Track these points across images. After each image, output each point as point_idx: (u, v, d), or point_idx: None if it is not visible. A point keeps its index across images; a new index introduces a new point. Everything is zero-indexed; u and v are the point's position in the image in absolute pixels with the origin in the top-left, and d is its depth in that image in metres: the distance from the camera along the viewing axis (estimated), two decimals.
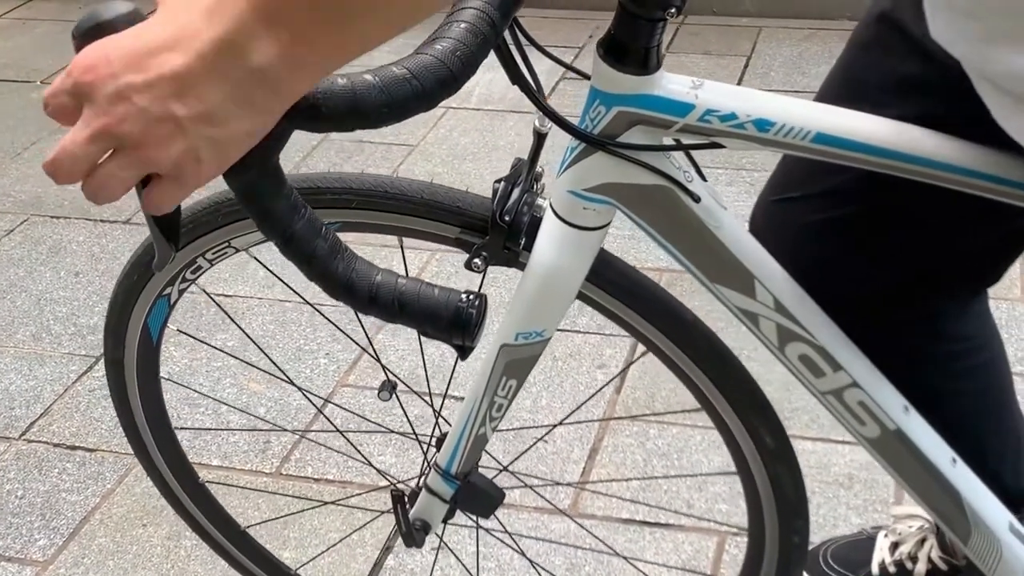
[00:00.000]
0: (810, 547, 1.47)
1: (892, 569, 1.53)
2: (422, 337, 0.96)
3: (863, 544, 1.59)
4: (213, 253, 1.30)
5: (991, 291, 1.37)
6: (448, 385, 1.47)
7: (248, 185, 0.87)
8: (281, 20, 0.73)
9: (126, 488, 2.14)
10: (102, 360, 2.44)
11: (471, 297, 0.91)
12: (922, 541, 1.52)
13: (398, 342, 2.44)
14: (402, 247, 1.31)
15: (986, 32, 0.86)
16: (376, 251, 1.27)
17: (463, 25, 0.90)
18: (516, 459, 1.50)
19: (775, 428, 1.28)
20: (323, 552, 1.92)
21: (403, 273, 0.95)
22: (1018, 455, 1.36)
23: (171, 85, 0.74)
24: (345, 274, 0.91)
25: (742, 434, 1.29)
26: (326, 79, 0.83)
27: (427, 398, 1.48)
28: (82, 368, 2.46)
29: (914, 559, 1.51)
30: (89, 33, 0.79)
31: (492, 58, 1.04)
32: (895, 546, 1.54)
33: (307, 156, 3.25)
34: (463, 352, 0.94)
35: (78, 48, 0.79)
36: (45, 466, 2.20)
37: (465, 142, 3.34)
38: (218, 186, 0.93)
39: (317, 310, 1.39)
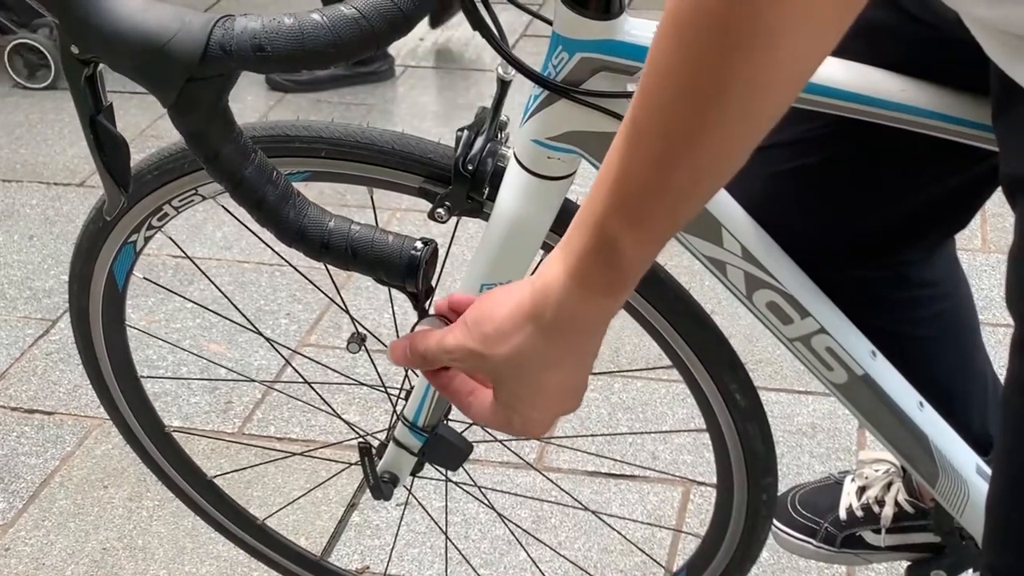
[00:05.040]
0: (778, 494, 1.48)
1: (860, 513, 1.54)
2: (391, 289, 0.96)
3: (830, 489, 1.59)
4: (180, 200, 1.28)
5: None
6: None
7: (196, 127, 0.86)
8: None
9: (86, 450, 2.12)
10: (58, 323, 2.43)
11: (426, 244, 0.90)
12: (889, 485, 1.52)
13: (360, 301, 2.43)
14: (372, 198, 1.30)
15: None
16: (335, 211, 1.25)
17: None
18: None
19: (746, 386, 1.28)
20: (287, 505, 1.91)
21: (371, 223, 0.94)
22: (985, 399, 1.36)
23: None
24: (297, 220, 0.90)
25: (713, 392, 1.29)
26: (274, 18, 0.82)
27: None
28: (38, 331, 2.43)
29: (881, 503, 1.52)
30: None
31: (452, 18, 1.02)
32: (862, 490, 1.55)
33: (263, 117, 3.21)
34: (417, 301, 0.94)
35: None
36: (3, 430, 2.18)
37: (424, 100, 3.31)
38: None
39: (284, 259, 1.38)
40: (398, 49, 3.50)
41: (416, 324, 0.93)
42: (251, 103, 3.26)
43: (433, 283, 0.95)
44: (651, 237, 0.74)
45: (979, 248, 2.56)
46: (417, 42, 3.59)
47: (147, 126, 3.12)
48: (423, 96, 3.32)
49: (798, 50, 0.65)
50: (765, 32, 0.63)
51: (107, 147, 0.89)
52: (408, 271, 0.90)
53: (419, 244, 0.90)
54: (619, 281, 0.76)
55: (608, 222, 0.73)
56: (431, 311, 0.92)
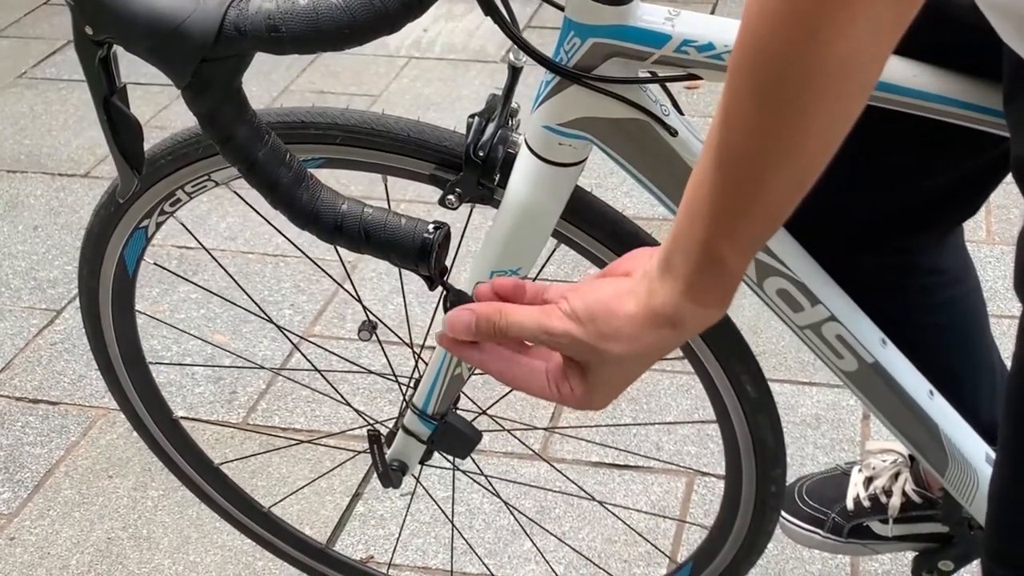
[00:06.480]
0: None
1: (867, 503, 1.54)
2: (402, 277, 0.96)
3: (838, 480, 1.60)
4: (193, 186, 1.28)
5: None
6: (431, 324, 1.46)
7: (210, 109, 0.86)
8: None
9: (91, 440, 2.12)
10: (63, 314, 2.43)
11: (438, 227, 0.90)
12: (896, 475, 1.53)
13: (364, 291, 2.42)
14: (386, 186, 1.30)
15: None
16: None
17: None
18: (495, 404, 1.49)
19: (757, 378, 1.27)
20: (291, 494, 1.91)
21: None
22: (993, 388, 1.36)
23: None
24: (310, 203, 0.90)
25: (724, 384, 1.28)
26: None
27: (405, 340, 1.46)
28: (43, 322, 2.43)
29: (888, 493, 1.52)
30: None
31: (454, 8, 1.03)
32: (869, 480, 1.55)
33: (270, 105, 3.21)
34: (432, 283, 0.94)
35: None
36: (7, 420, 2.18)
37: (428, 92, 3.31)
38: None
39: (295, 246, 1.38)
40: (402, 39, 3.50)
41: (447, 305, 0.94)
42: (253, 93, 3.26)
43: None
44: (751, 246, 0.80)
45: (984, 240, 2.56)
46: (421, 33, 3.58)
47: (151, 116, 3.12)
48: (428, 88, 3.32)
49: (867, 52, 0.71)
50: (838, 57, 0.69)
51: (121, 129, 0.89)
52: (420, 254, 0.90)
53: (431, 227, 0.91)
54: (729, 290, 0.82)
55: (713, 243, 0.78)
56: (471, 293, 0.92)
